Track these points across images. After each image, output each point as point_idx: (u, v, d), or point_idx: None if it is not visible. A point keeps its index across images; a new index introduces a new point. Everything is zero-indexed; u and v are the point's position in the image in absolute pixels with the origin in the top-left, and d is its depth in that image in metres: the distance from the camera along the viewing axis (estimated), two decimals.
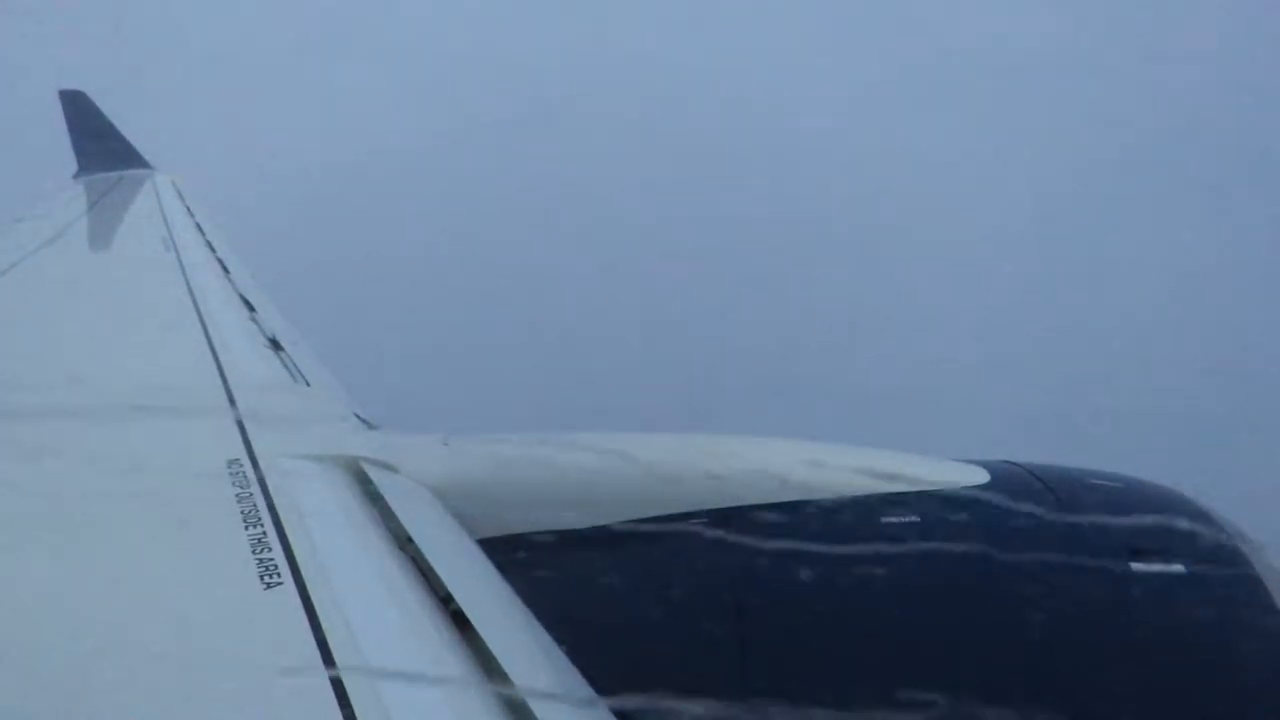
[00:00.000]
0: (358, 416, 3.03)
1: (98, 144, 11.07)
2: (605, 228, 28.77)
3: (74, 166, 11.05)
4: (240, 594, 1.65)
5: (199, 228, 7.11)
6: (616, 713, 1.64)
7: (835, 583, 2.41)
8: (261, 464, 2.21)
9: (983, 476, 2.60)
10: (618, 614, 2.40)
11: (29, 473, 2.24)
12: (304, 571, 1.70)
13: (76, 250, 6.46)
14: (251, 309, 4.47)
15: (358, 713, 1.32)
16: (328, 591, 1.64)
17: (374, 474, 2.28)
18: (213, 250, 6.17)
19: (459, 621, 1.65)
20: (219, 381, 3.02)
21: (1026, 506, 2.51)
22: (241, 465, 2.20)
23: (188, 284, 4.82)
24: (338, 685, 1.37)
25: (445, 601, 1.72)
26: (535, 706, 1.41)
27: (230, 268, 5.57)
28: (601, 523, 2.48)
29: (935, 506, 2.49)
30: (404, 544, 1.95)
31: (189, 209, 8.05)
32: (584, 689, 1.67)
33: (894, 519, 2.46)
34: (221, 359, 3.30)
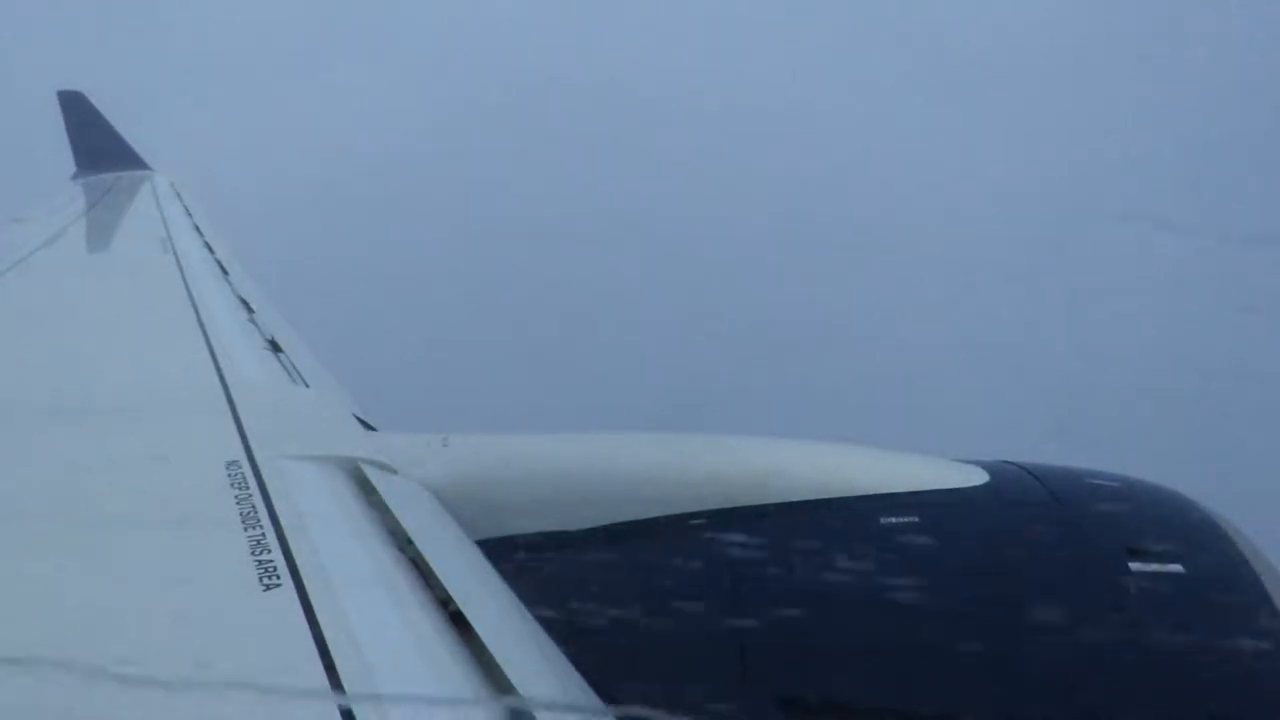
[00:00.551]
0: (357, 418, 3.03)
1: (96, 145, 11.07)
2: (605, 227, 28.77)
3: (72, 167, 11.05)
4: (239, 596, 1.65)
5: (197, 229, 7.11)
6: (615, 713, 1.64)
7: (835, 583, 2.41)
8: (260, 465, 2.21)
9: (982, 477, 2.60)
10: (617, 615, 2.40)
11: (28, 474, 2.24)
12: (303, 573, 1.70)
13: (75, 251, 6.46)
14: (250, 310, 4.47)
15: (357, 714, 1.32)
16: (327, 593, 1.64)
17: (373, 475, 2.28)
18: (211, 251, 6.17)
19: (458, 623, 1.66)
20: (218, 383, 3.02)
21: (1025, 507, 2.51)
22: (240, 467, 2.20)
23: (186, 285, 4.81)
24: (337, 687, 1.37)
25: (444, 603, 1.73)
26: (534, 708, 1.41)
27: (229, 269, 5.57)
28: (601, 523, 2.49)
29: (934, 507, 2.50)
30: (403, 545, 1.95)
31: (187, 210, 8.05)
32: (583, 690, 1.67)
33: (893, 519, 2.46)
34: (220, 360, 3.30)
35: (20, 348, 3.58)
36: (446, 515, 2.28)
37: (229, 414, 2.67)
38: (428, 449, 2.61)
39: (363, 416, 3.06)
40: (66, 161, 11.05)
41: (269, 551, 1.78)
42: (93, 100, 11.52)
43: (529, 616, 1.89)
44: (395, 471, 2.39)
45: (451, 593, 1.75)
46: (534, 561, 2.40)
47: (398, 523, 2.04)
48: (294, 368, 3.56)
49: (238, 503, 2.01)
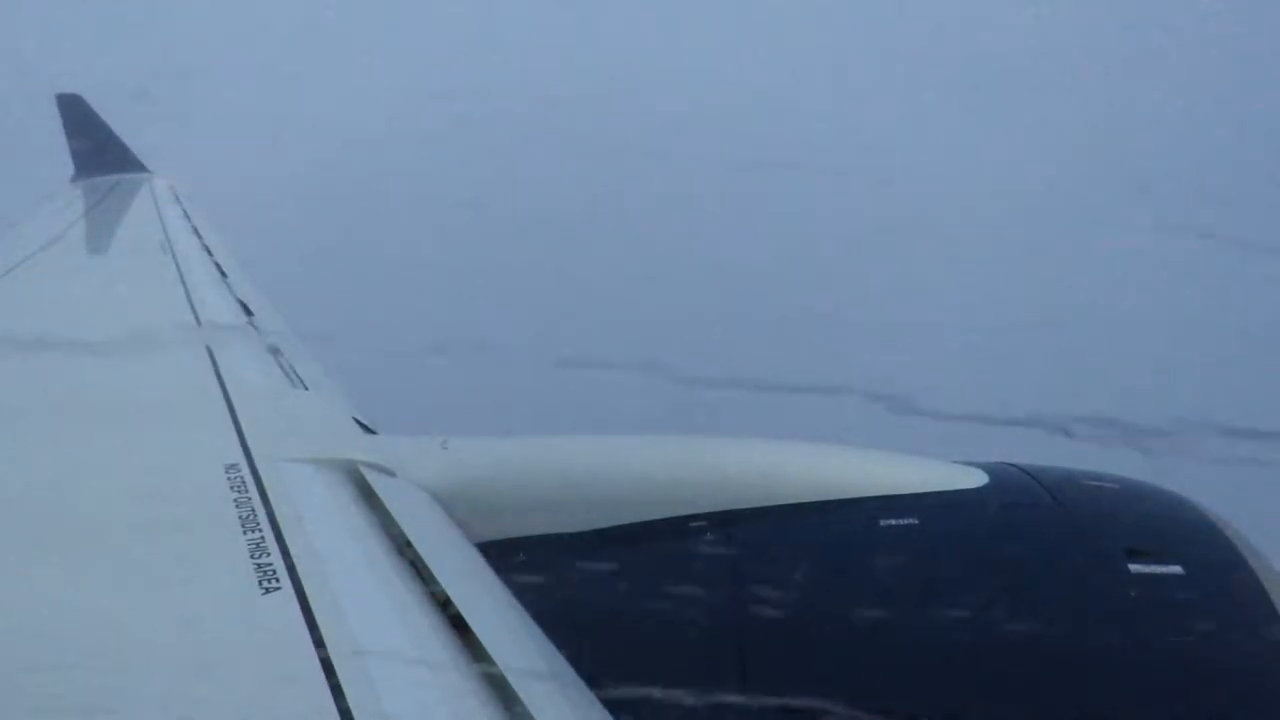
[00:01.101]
0: (356, 420, 3.02)
1: (95, 148, 11.05)
2: (605, 227, 28.77)
3: (71, 170, 11.03)
4: (239, 598, 1.65)
5: (196, 232, 7.10)
6: (615, 714, 1.64)
7: (834, 585, 2.41)
8: (260, 468, 2.21)
9: (981, 479, 2.60)
10: (616, 616, 2.40)
11: (28, 477, 2.24)
12: (302, 576, 1.70)
13: (74, 254, 6.46)
14: (249, 313, 4.46)
15: (356, 715, 1.32)
16: (326, 595, 1.64)
17: (372, 478, 2.28)
18: (210, 254, 6.16)
19: (457, 625, 1.65)
20: (217, 385, 3.02)
21: (1025, 509, 2.51)
22: (240, 469, 2.20)
23: (185, 288, 4.81)
24: (336, 689, 1.37)
25: (443, 605, 1.72)
26: (534, 710, 1.41)
27: (228, 272, 5.57)
28: (600, 525, 2.48)
29: (934, 509, 2.49)
30: (402, 548, 1.95)
31: (186, 213, 8.04)
32: (582, 691, 1.67)
33: (892, 521, 2.46)
34: (219, 363, 3.30)
35: (19, 350, 3.58)
36: (445, 518, 2.28)
37: (228, 417, 2.67)
38: (427, 452, 2.61)
39: (362, 419, 3.05)
40: (65, 164, 11.04)
41: (268, 554, 1.78)
42: (91, 103, 11.51)
43: (528, 619, 1.89)
44: (394, 474, 2.39)
45: (450, 595, 1.74)
46: (533, 564, 2.40)
47: (397, 525, 2.04)
48: (293, 370, 3.56)
49: (237, 506, 2.01)
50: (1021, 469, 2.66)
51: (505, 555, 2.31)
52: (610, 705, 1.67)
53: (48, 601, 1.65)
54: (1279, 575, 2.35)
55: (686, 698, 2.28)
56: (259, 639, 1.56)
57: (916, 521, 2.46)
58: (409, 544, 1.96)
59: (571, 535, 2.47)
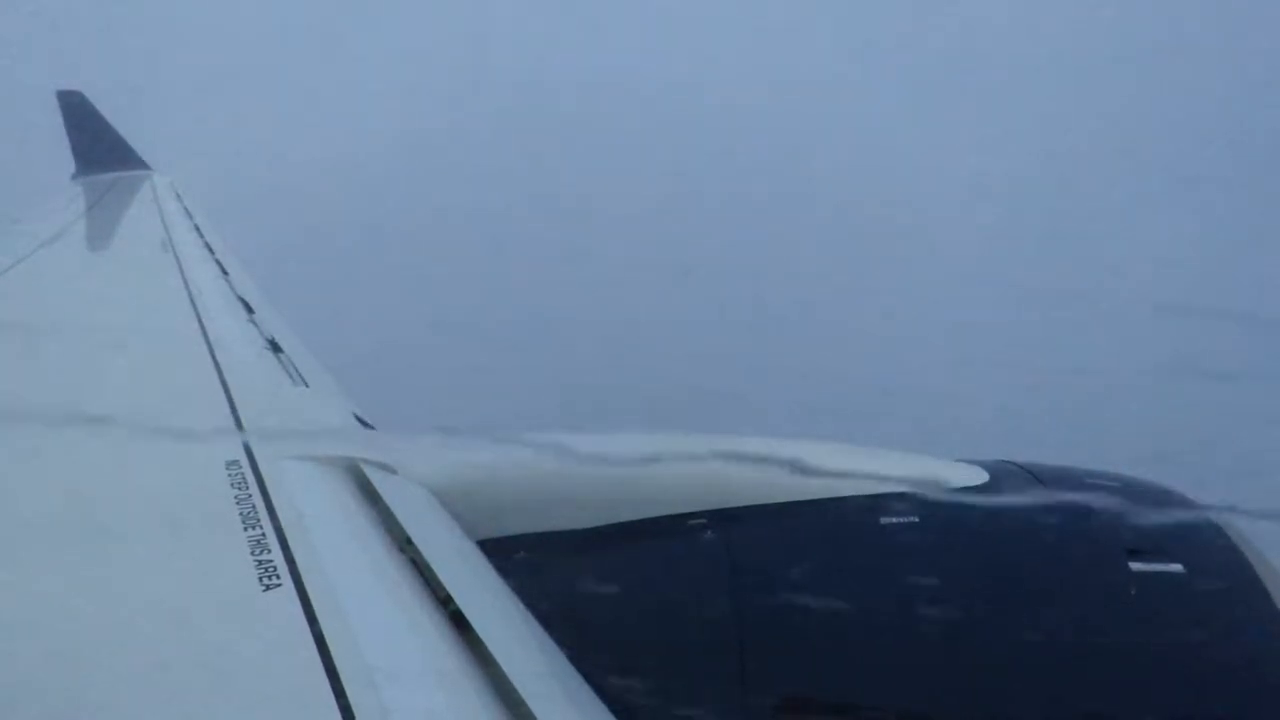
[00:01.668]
0: (356, 417, 3.03)
1: (96, 145, 11.04)
2: (605, 226, 28.76)
3: (72, 167, 11.03)
4: (239, 596, 1.65)
5: (197, 229, 7.10)
6: (615, 712, 1.64)
7: (834, 583, 2.41)
8: (260, 466, 2.21)
9: (981, 476, 2.60)
10: (617, 614, 2.40)
11: (28, 475, 2.24)
12: (303, 573, 1.70)
13: (75, 252, 6.46)
14: (250, 310, 4.46)
15: (357, 714, 1.32)
16: (327, 593, 1.64)
17: (373, 475, 2.28)
18: (211, 252, 6.16)
19: (458, 623, 1.66)
20: (218, 383, 3.02)
21: (1025, 506, 2.51)
22: (240, 467, 2.20)
23: (186, 285, 4.81)
24: (337, 687, 1.37)
25: (444, 603, 1.73)
26: (534, 707, 1.41)
27: (229, 269, 5.57)
28: (600, 523, 2.48)
29: (934, 507, 2.50)
30: (403, 545, 1.95)
31: (187, 210, 8.04)
32: (583, 689, 1.67)
33: (893, 519, 2.46)
34: (220, 361, 3.30)
35: (20, 348, 3.58)
36: (446, 515, 2.28)
37: (229, 414, 2.67)
38: (427, 449, 2.61)
39: (362, 416, 3.06)
40: (66, 161, 11.04)
41: (269, 551, 1.78)
42: (92, 100, 11.51)
43: (529, 616, 1.89)
44: (395, 471, 2.39)
45: (451, 592, 1.75)
46: (533, 561, 2.40)
47: (397, 522, 2.04)
48: (293, 368, 3.56)
49: (237, 503, 2.01)
50: (1022, 467, 2.66)
51: (506, 553, 2.31)
52: (611, 703, 1.67)
53: (47, 599, 1.65)
54: (1279, 573, 2.35)
55: (687, 695, 2.28)
56: (259, 636, 1.56)
57: (917, 519, 2.46)
58: (409, 541, 1.96)
59: (572, 532, 2.47)
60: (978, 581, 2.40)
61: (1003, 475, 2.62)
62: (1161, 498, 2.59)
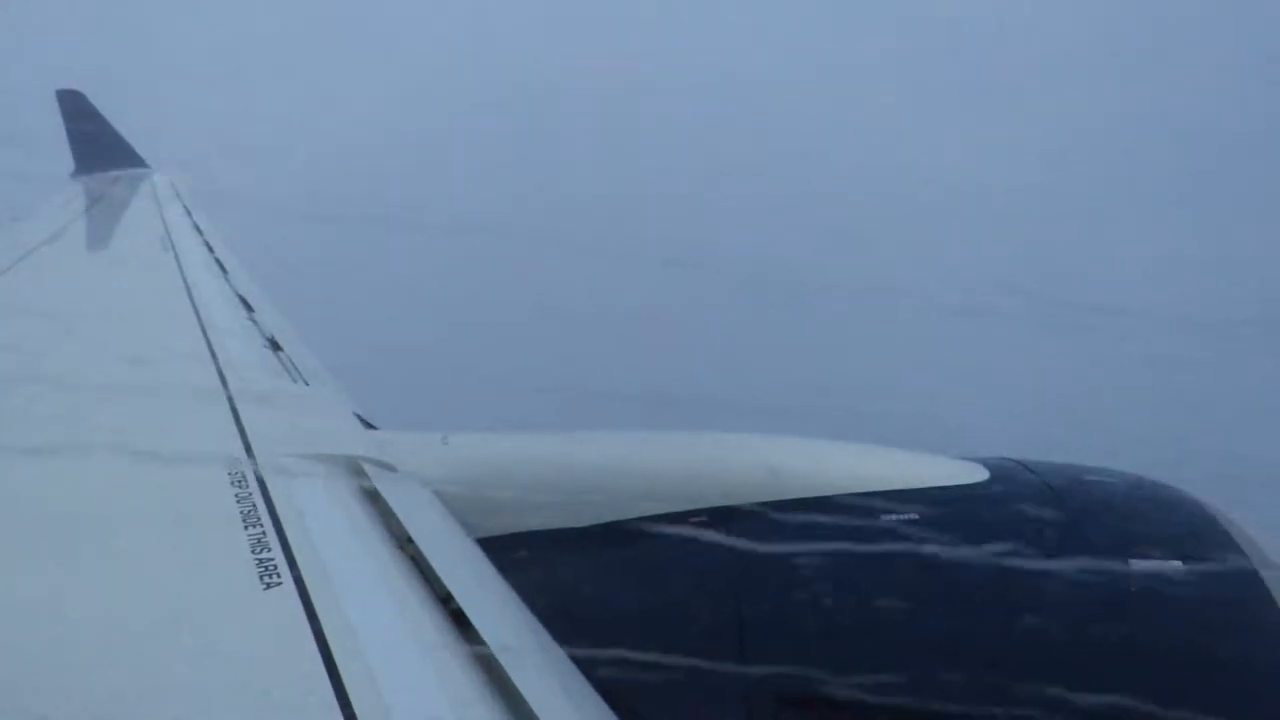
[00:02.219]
0: (356, 416, 3.03)
1: (95, 144, 11.04)
2: (606, 224, 28.75)
3: (71, 166, 11.03)
4: (240, 594, 1.65)
5: (197, 228, 7.10)
6: (617, 710, 1.64)
7: (835, 580, 2.41)
8: (260, 464, 2.21)
9: (982, 474, 2.60)
10: (617, 612, 2.40)
11: (27, 473, 2.24)
12: (303, 571, 1.70)
13: (74, 250, 6.45)
14: (250, 309, 4.47)
15: (357, 713, 1.32)
16: (327, 591, 1.64)
17: (373, 473, 2.28)
18: (211, 250, 6.16)
19: (459, 621, 1.66)
20: (218, 382, 3.02)
21: (1025, 504, 2.51)
22: (240, 465, 2.20)
23: (186, 284, 4.81)
24: (338, 685, 1.37)
25: (445, 601, 1.73)
26: (535, 706, 1.41)
27: (228, 267, 5.57)
28: (600, 521, 2.49)
29: (935, 504, 2.50)
30: (403, 543, 1.95)
31: (187, 209, 8.04)
32: (584, 688, 1.67)
33: (893, 516, 2.46)
34: (220, 359, 3.30)
35: (20, 346, 3.57)
36: (446, 513, 2.28)
37: (229, 412, 2.67)
38: (428, 447, 2.61)
39: (362, 415, 3.06)
40: (65, 160, 11.04)
41: (269, 550, 1.78)
42: (91, 99, 11.50)
43: (529, 614, 1.89)
44: (395, 470, 2.39)
45: (451, 591, 1.75)
46: (534, 559, 2.40)
47: (398, 521, 2.04)
48: (294, 366, 3.56)
49: (238, 501, 2.01)
50: (1022, 464, 2.66)
51: (506, 551, 2.31)
52: (611, 702, 1.67)
53: (47, 598, 1.65)
54: (1279, 571, 2.35)
55: (687, 694, 2.28)
56: (260, 635, 1.56)
57: (917, 516, 2.46)
58: (410, 539, 1.96)
59: (573, 530, 2.47)
60: (977, 579, 2.40)
61: (1003, 473, 2.62)
62: (1162, 494, 2.59)
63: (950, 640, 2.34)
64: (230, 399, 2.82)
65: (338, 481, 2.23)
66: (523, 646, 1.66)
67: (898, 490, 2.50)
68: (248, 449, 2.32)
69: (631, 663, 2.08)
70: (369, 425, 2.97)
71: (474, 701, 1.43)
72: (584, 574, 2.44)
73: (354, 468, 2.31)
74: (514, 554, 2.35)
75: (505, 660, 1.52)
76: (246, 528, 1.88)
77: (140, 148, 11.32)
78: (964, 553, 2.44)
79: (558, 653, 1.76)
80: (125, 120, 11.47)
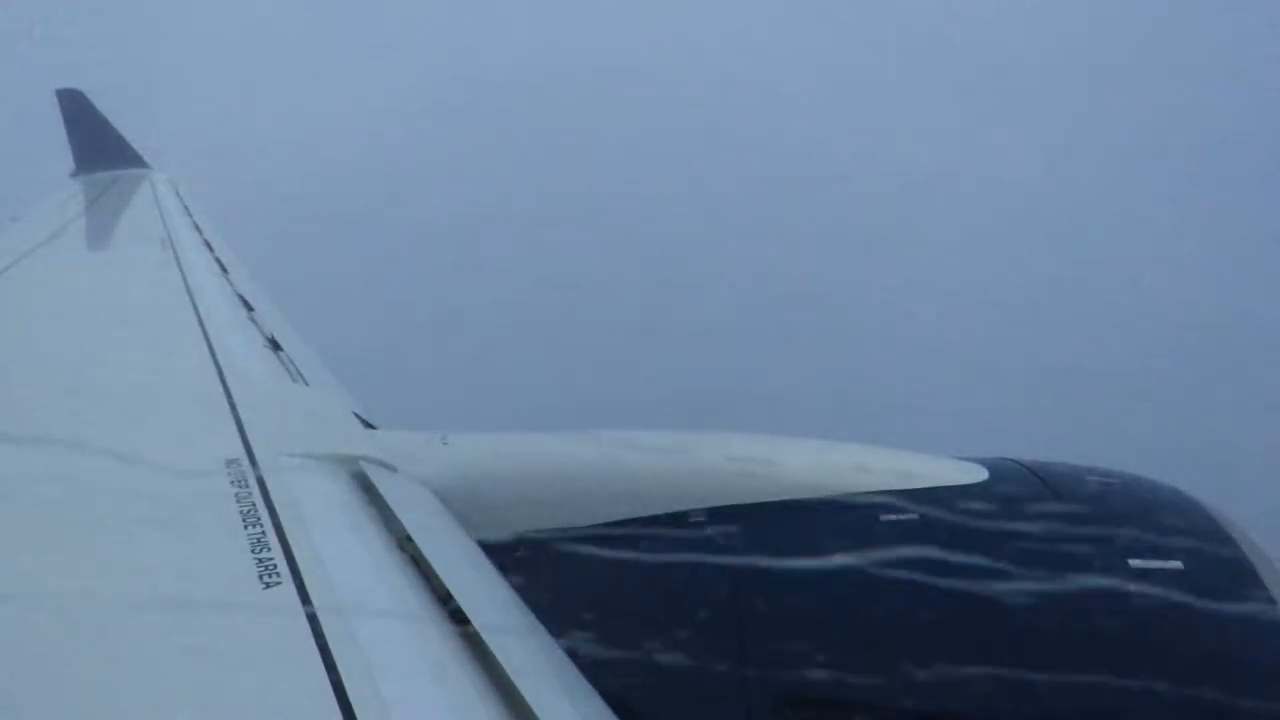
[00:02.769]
0: (357, 416, 3.02)
1: (95, 143, 11.04)
2: (604, 224, 28.76)
3: (71, 165, 11.02)
4: (239, 593, 1.65)
5: (197, 227, 7.10)
6: (616, 709, 1.64)
7: (835, 580, 2.41)
8: (260, 463, 2.21)
9: (981, 474, 2.60)
10: (617, 612, 2.40)
11: (27, 473, 2.24)
12: (303, 571, 1.70)
13: (74, 250, 6.46)
14: (250, 308, 4.46)
15: (357, 712, 1.32)
16: (327, 591, 1.64)
17: (373, 473, 2.28)
18: (211, 250, 6.16)
19: (459, 620, 1.66)
20: (217, 381, 3.01)
21: (1025, 504, 2.51)
22: (240, 465, 2.20)
23: (186, 283, 4.81)
24: (337, 685, 1.37)
25: (444, 601, 1.73)
26: (534, 705, 1.42)
27: (228, 267, 5.57)
28: (600, 521, 2.49)
29: (934, 504, 2.49)
30: (403, 543, 1.95)
31: (187, 208, 8.03)
32: (584, 687, 1.67)
33: (893, 517, 2.46)
34: (220, 359, 3.30)
35: (19, 346, 3.57)
36: (446, 513, 2.28)
37: (229, 412, 2.67)
38: (428, 447, 2.61)
39: (362, 414, 3.06)
40: (65, 160, 11.04)
41: (269, 549, 1.78)
42: (91, 98, 11.50)
43: (529, 614, 1.89)
44: (395, 470, 2.39)
45: (451, 590, 1.75)
46: (534, 559, 2.40)
47: (398, 521, 2.04)
48: (294, 366, 3.56)
49: (238, 501, 2.00)
50: (1022, 464, 2.66)
51: (506, 551, 2.31)
52: (611, 702, 1.67)
53: (47, 597, 1.65)
54: (1279, 571, 2.35)
55: (687, 694, 2.28)
56: (260, 634, 1.56)
57: (917, 517, 2.46)
58: (410, 539, 1.96)
59: (572, 530, 2.47)
60: (977, 578, 2.40)
61: (1003, 473, 2.62)
62: (1162, 494, 2.59)
63: (950, 640, 2.34)
64: (230, 399, 2.81)
65: (337, 481, 2.23)
66: (522, 647, 1.66)
67: (897, 490, 2.50)
68: (248, 449, 2.32)
69: (631, 662, 2.08)
70: (369, 425, 2.97)
71: (474, 701, 1.43)
72: (583, 574, 2.43)
73: (354, 467, 2.31)
74: (514, 554, 2.35)
75: (505, 660, 1.52)
76: (246, 528, 1.88)
77: (140, 148, 11.32)
78: (964, 553, 2.44)
79: (558, 653, 1.76)
80: (125, 120, 11.47)
